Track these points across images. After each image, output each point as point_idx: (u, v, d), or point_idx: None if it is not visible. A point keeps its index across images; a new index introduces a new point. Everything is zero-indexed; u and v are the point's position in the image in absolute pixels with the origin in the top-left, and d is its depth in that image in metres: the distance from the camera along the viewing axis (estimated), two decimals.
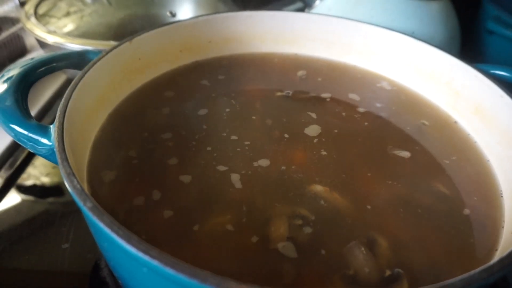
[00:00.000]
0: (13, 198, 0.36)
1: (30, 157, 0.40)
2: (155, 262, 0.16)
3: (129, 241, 0.17)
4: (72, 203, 0.34)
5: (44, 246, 0.31)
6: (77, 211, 0.33)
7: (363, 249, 0.23)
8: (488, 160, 0.30)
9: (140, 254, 0.16)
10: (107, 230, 0.17)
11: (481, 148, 0.31)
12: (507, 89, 0.30)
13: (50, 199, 0.36)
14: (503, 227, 0.25)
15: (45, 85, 0.48)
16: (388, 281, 0.22)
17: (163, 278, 0.16)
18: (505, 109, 0.29)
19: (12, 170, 0.39)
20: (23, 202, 0.36)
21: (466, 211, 0.26)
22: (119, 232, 0.17)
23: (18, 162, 0.39)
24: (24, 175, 0.38)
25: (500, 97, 0.29)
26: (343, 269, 0.22)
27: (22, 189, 0.37)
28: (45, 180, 0.38)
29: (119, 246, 0.17)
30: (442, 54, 0.35)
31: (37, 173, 0.39)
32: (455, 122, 0.34)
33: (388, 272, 0.22)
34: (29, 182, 0.38)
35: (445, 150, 0.31)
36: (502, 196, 0.27)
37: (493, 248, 0.24)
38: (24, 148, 0.41)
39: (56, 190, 0.37)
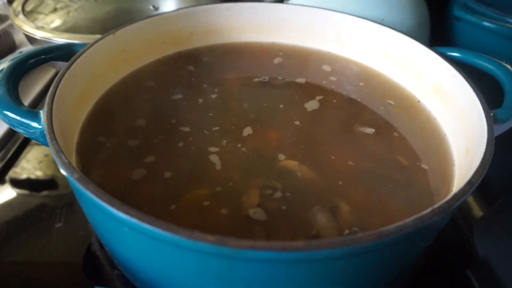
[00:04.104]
0: (7, 192, 0.37)
1: (21, 149, 0.42)
2: (133, 220, 0.18)
3: (111, 204, 0.19)
4: (66, 195, 0.36)
5: (39, 237, 0.33)
6: (72, 203, 0.36)
7: (325, 212, 0.26)
8: (445, 134, 0.33)
9: (121, 214, 0.19)
10: (92, 196, 0.20)
11: (440, 124, 0.34)
12: (460, 69, 0.32)
13: (45, 193, 0.38)
14: (452, 191, 0.27)
15: (36, 79, 0.51)
16: None
17: (141, 234, 0.19)
18: (458, 86, 0.32)
19: (3, 163, 0.40)
20: (17, 196, 0.37)
21: (422, 180, 0.29)
22: (103, 197, 0.20)
23: (9, 155, 0.41)
24: (17, 169, 0.40)
25: (454, 77, 0.32)
26: (307, 230, 0.25)
27: (16, 183, 0.39)
28: (39, 173, 0.40)
29: (103, 210, 0.20)
30: (407, 39, 0.38)
31: (30, 167, 0.40)
32: (419, 101, 0.37)
33: (346, 231, 0.25)
34: (23, 176, 0.39)
35: (408, 127, 0.34)
36: (454, 165, 0.30)
37: None
38: (15, 141, 0.43)
39: (50, 183, 0.39)
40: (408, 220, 0.19)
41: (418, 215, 0.19)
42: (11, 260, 0.31)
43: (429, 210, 0.19)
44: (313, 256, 0.18)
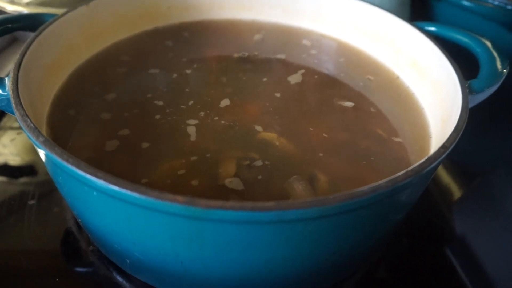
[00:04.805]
0: None
1: None
2: (101, 182, 0.18)
3: (78, 166, 0.19)
4: (47, 183, 0.34)
5: (18, 224, 0.31)
6: (53, 191, 0.34)
7: (302, 182, 0.25)
8: (423, 108, 0.33)
9: (88, 176, 0.18)
10: (58, 159, 0.19)
11: (418, 98, 0.34)
12: (438, 42, 0.32)
13: (24, 179, 0.36)
14: None
15: (11, 56, 0.49)
16: None
17: (110, 197, 0.18)
18: (435, 60, 0.32)
19: None
20: None
21: (400, 151, 0.29)
22: (69, 159, 0.19)
23: None
24: None
25: (431, 50, 0.32)
26: (284, 199, 0.25)
27: None
28: (17, 159, 0.38)
29: (70, 173, 0.19)
30: (386, 15, 0.38)
31: (7, 152, 0.39)
32: (397, 77, 0.37)
33: None
34: (0, 162, 0.38)
35: (387, 102, 0.34)
36: (431, 137, 0.30)
37: None
38: None
39: (30, 169, 0.37)
40: (381, 181, 0.19)
41: (392, 177, 0.19)
42: None
43: (402, 172, 0.19)
44: (285, 217, 0.17)
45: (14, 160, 0.38)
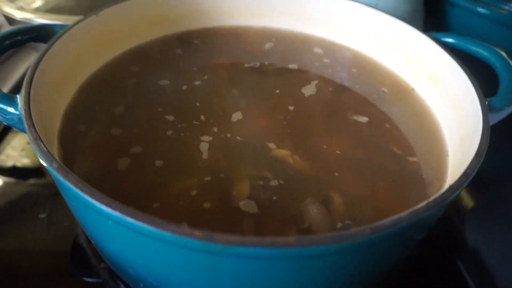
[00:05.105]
0: None
1: (4, 134, 0.40)
2: (116, 213, 0.17)
3: (93, 196, 0.18)
4: (54, 184, 0.35)
5: (26, 226, 0.32)
6: (59, 192, 0.34)
7: (317, 205, 0.25)
8: (439, 123, 0.32)
9: (103, 207, 0.18)
10: (73, 187, 0.19)
11: (433, 112, 0.33)
12: (455, 55, 0.31)
13: (31, 181, 0.37)
14: (445, 182, 0.27)
15: (17, 63, 0.48)
16: None
17: (125, 227, 0.18)
18: (452, 73, 0.31)
19: None
20: (3, 184, 0.36)
21: (415, 169, 0.29)
22: (84, 189, 0.18)
23: None
24: (2, 157, 0.38)
25: (448, 63, 0.31)
26: (299, 223, 0.24)
27: (2, 171, 0.37)
28: (25, 161, 0.39)
29: (85, 202, 0.19)
30: (400, 24, 0.37)
31: (16, 155, 0.39)
32: (413, 89, 0.36)
33: (339, 224, 0.24)
34: (8, 164, 0.38)
35: (401, 116, 0.33)
36: (447, 155, 0.29)
37: None
38: None
39: (37, 171, 0.38)
40: (402, 214, 0.18)
41: (413, 209, 0.18)
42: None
43: (424, 203, 0.19)
44: (305, 252, 0.17)
45: (23, 162, 0.38)
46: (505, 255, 0.32)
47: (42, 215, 0.32)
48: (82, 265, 0.29)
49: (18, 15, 0.43)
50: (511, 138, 0.43)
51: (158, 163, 0.27)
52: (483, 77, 0.31)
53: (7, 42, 0.28)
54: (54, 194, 0.34)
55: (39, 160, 0.37)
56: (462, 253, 0.32)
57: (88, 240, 0.30)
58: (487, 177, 0.40)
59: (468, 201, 0.37)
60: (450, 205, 0.35)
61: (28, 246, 0.31)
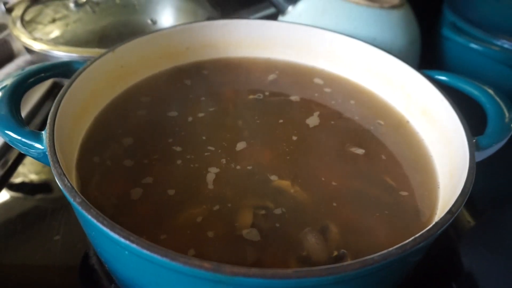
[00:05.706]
0: (3, 195, 0.38)
1: (20, 157, 0.42)
2: (134, 245, 0.20)
3: (113, 229, 0.20)
4: (60, 199, 0.37)
5: (36, 240, 0.34)
6: (66, 206, 0.37)
7: (315, 234, 0.27)
8: (431, 156, 0.34)
9: (122, 240, 0.20)
10: (94, 221, 0.21)
11: (427, 145, 0.35)
12: (447, 93, 0.34)
13: (39, 196, 0.39)
14: (436, 214, 0.29)
15: (33, 89, 0.51)
16: (334, 260, 0.26)
17: (141, 258, 0.20)
18: (444, 111, 0.33)
19: (3, 171, 0.41)
20: (12, 199, 0.38)
21: (408, 201, 0.30)
22: (104, 222, 0.21)
23: (9, 163, 0.42)
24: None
25: (441, 101, 0.33)
26: (298, 251, 0.26)
27: (12, 187, 0.39)
28: (34, 177, 0.41)
29: (104, 234, 0.21)
30: (396, 61, 0.39)
31: (26, 171, 0.41)
32: (408, 122, 0.38)
33: (335, 253, 0.26)
34: (18, 180, 0.40)
35: (397, 147, 0.35)
36: (439, 188, 0.31)
37: None
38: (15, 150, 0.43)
39: (45, 187, 0.40)
40: (391, 249, 0.20)
41: (400, 244, 0.20)
42: (8, 263, 0.32)
43: (411, 239, 0.21)
44: (302, 284, 0.19)
45: (31, 178, 0.40)
46: (500, 280, 0.34)
47: (57, 237, 0.34)
48: (93, 285, 0.31)
49: (36, 46, 0.46)
50: (507, 163, 0.45)
51: (170, 193, 0.29)
52: (475, 112, 0.33)
53: (32, 79, 0.31)
54: (63, 206, 0.36)
55: (46, 176, 0.40)
56: (457, 278, 0.33)
57: (100, 263, 0.32)
58: (481, 204, 0.42)
59: (463, 226, 0.39)
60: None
61: (38, 262, 0.32)
